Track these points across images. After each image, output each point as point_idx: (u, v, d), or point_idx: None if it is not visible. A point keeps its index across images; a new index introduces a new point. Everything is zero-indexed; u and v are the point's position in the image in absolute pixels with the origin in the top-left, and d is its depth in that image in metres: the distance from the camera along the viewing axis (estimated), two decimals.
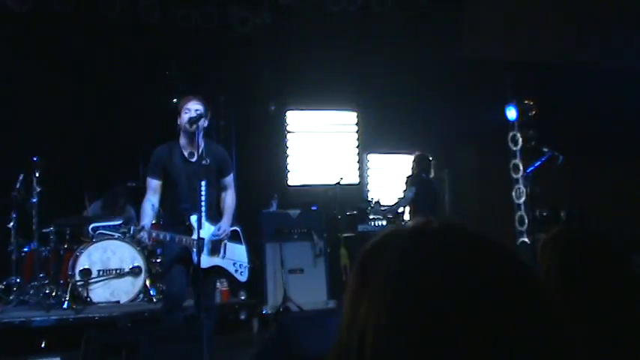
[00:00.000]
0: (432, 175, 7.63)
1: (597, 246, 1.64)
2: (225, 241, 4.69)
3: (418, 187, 7.33)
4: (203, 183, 4.48)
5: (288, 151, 9.19)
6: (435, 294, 0.71)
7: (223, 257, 4.68)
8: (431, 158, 7.66)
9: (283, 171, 9.09)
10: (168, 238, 4.44)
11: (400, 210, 7.58)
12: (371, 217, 7.72)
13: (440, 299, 0.71)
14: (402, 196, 7.57)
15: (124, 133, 7.64)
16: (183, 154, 4.58)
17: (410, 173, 7.61)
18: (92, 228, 4.36)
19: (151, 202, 4.51)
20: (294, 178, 9.14)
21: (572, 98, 7.77)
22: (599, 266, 1.60)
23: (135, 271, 6.70)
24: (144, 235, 4.36)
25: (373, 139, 9.36)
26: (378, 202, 8.04)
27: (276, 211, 7.66)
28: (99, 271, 6.60)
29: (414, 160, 7.75)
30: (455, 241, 0.77)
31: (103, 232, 4.34)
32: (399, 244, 0.77)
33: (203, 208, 4.46)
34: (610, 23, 7.82)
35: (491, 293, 0.72)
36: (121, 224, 4.42)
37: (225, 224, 4.65)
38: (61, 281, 6.65)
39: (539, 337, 0.71)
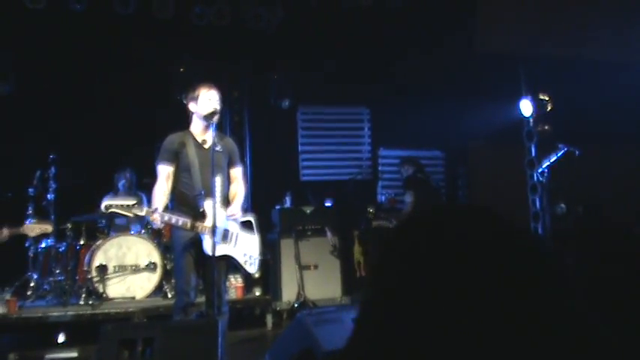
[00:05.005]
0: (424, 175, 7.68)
1: (613, 245, 1.60)
2: (238, 231, 4.64)
3: (416, 189, 7.32)
4: (217, 170, 4.44)
5: (302, 147, 9.20)
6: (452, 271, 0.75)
7: (234, 246, 4.59)
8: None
9: (297, 167, 9.10)
10: (180, 222, 4.34)
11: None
12: (383, 215, 7.73)
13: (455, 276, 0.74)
14: (402, 200, 7.61)
15: (139, 130, 7.67)
16: (197, 141, 4.57)
17: (405, 176, 7.64)
18: (105, 206, 4.32)
19: (163, 188, 4.46)
20: (308, 174, 9.16)
21: (588, 92, 7.68)
22: (615, 267, 1.56)
23: (150, 267, 6.75)
24: (156, 217, 4.27)
25: (387, 135, 9.33)
26: (386, 202, 8.06)
27: (290, 207, 7.67)
28: (115, 267, 6.66)
29: (402, 164, 7.76)
30: (475, 222, 0.77)
31: (115, 210, 4.30)
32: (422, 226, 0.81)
33: (217, 193, 4.41)
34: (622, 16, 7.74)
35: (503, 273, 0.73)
36: (134, 205, 4.35)
37: (236, 208, 4.59)
38: (78, 277, 6.72)
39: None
